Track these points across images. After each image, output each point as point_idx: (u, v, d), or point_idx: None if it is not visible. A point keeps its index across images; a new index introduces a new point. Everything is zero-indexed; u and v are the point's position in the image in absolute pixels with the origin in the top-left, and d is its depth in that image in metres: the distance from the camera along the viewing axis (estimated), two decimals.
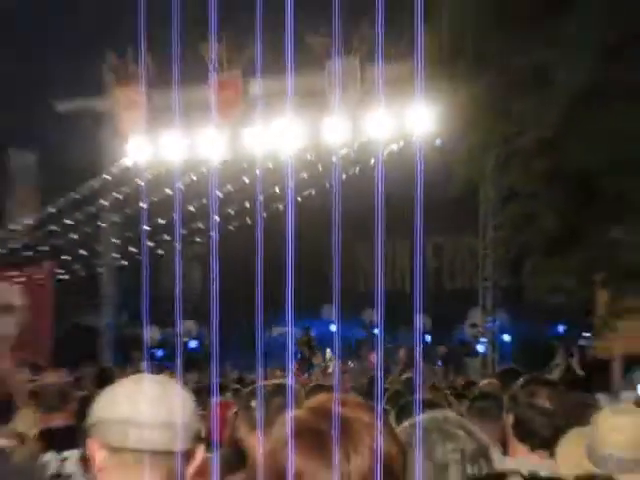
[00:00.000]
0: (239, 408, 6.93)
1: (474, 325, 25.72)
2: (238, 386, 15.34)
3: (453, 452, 3.78)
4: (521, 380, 7.47)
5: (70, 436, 7.42)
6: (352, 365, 23.97)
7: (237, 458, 6.04)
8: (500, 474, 3.67)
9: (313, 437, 2.40)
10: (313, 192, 20.93)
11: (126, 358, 21.60)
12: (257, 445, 5.32)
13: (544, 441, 5.71)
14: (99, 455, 3.07)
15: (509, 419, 5.93)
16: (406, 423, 3.94)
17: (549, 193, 18.45)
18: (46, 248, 25.48)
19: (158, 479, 3.08)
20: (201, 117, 21.64)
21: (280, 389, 7.45)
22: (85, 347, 23.42)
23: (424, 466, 3.60)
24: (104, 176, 22.69)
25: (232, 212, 21.65)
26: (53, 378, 13.07)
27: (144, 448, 3.01)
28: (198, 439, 3.24)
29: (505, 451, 5.62)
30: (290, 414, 2.60)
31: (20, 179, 24.92)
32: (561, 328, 22.27)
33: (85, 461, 5.94)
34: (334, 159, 20.73)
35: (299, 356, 29.50)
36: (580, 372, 16.91)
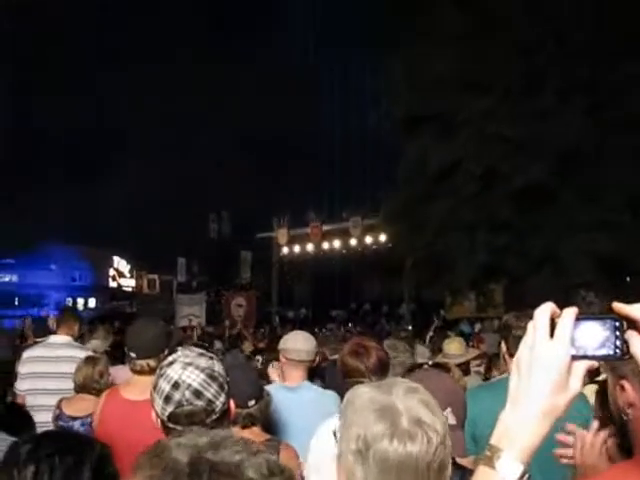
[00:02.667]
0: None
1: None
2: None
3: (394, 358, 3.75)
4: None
5: (263, 350, 7.42)
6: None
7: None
8: (418, 364, 3.57)
9: (354, 353, 2.52)
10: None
11: (282, 325, 19.05)
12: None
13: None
14: (282, 361, 3.10)
15: None
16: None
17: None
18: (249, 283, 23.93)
19: (305, 372, 3.07)
20: (306, 239, 21.33)
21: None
22: (267, 319, 21.16)
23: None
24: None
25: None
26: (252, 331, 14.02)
27: (302, 359, 3.04)
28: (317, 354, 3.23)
29: None
30: (348, 343, 2.70)
31: (244, 260, 23.87)
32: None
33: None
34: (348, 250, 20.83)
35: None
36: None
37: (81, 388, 3.48)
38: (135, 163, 38.77)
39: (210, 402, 1.57)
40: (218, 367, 1.64)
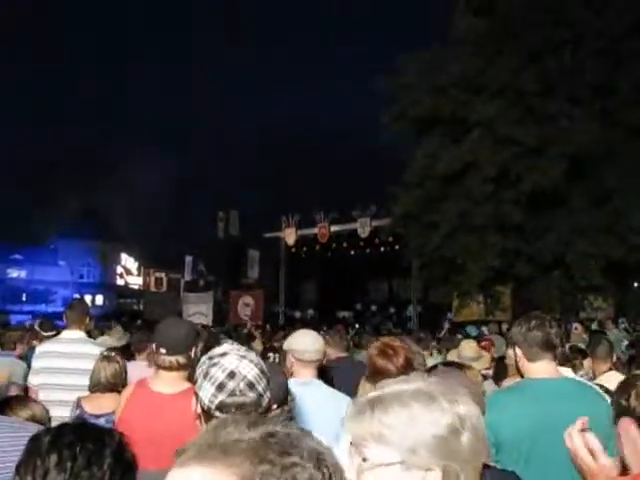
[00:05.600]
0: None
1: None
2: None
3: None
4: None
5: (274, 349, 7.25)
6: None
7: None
8: (434, 365, 3.23)
9: (383, 353, 2.53)
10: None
11: (291, 322, 18.64)
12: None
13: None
14: (291, 361, 3.04)
15: None
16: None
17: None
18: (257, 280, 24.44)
19: (315, 370, 3.03)
20: (314, 240, 21.20)
21: None
22: (274, 319, 20.76)
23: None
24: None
25: None
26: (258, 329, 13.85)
27: (310, 359, 3.00)
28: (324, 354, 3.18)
29: None
30: (376, 344, 2.69)
31: (251, 260, 23.75)
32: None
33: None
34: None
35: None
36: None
37: (108, 386, 3.41)
38: (143, 162, 38.89)
39: (260, 395, 1.60)
40: (264, 364, 1.68)
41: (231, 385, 1.58)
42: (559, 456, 2.15)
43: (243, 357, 1.63)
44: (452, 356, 5.16)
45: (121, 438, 1.48)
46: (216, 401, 1.58)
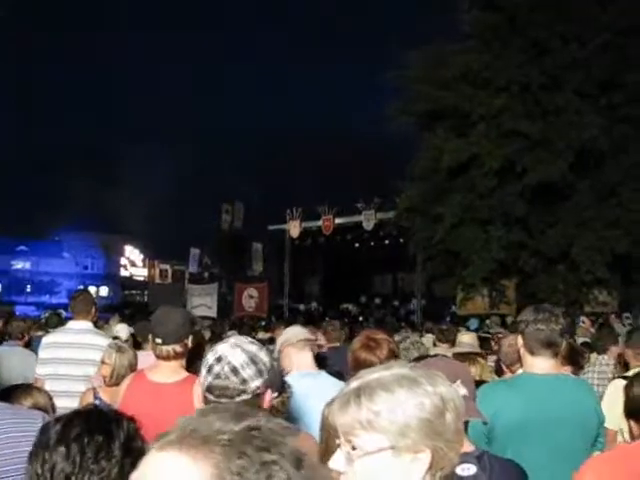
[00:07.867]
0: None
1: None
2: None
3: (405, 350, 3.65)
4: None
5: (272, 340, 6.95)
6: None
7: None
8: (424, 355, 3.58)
9: (366, 346, 2.53)
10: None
11: (294, 316, 18.26)
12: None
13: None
14: (288, 354, 2.93)
15: None
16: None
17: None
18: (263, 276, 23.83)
19: (312, 358, 2.96)
20: (318, 232, 21.21)
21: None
22: (279, 312, 21.11)
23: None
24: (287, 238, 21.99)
25: None
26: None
27: (301, 338, 2.89)
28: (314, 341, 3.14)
29: None
30: (359, 337, 2.68)
31: (255, 253, 23.72)
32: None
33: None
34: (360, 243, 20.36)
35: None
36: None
37: (123, 378, 3.25)
38: (149, 155, 38.91)
39: (244, 381, 1.67)
40: (263, 355, 1.76)
41: (217, 368, 1.68)
42: (546, 451, 2.29)
43: (237, 346, 1.73)
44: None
45: (130, 426, 1.46)
46: (206, 382, 1.70)
